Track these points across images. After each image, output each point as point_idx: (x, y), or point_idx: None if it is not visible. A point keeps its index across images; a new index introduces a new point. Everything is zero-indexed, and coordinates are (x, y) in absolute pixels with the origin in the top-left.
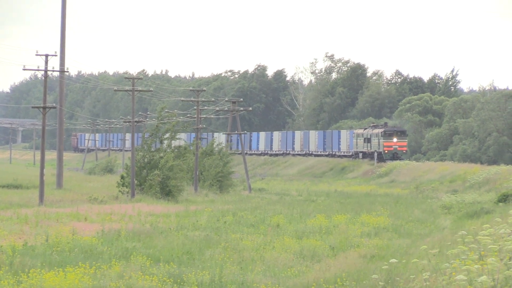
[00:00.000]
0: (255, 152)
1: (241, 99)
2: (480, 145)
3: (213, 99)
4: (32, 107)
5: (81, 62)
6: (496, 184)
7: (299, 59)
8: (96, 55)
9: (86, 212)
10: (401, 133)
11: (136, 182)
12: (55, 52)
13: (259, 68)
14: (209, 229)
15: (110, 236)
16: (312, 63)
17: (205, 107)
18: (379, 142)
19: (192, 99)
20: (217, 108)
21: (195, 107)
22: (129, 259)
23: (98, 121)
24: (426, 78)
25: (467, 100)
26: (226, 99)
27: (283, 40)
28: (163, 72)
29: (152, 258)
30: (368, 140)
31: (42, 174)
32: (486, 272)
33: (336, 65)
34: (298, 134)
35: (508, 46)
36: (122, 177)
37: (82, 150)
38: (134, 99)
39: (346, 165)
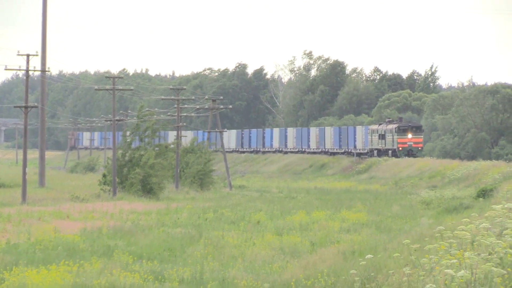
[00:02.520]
0: (269, 150)
1: (221, 97)
2: (459, 141)
3: (193, 97)
4: (14, 107)
5: (63, 62)
6: (475, 179)
7: (279, 56)
8: (77, 54)
9: (68, 210)
10: (417, 129)
11: (117, 180)
12: (36, 52)
13: (239, 66)
14: (190, 226)
15: (92, 234)
16: (291, 60)
17: (186, 106)
18: (393, 138)
19: (172, 97)
20: (198, 106)
21: (175, 106)
22: (111, 257)
23: (79, 120)
24: (405, 74)
25: (446, 97)
26: (206, 97)
27: (263, 38)
28: (144, 71)
29: (134, 255)
30: (382, 137)
31: (24, 173)
32: (464, 267)
33: (315, 63)
34: (313, 130)
35: (486, 42)
36: (104, 175)
37: (83, 150)
38: (115, 98)
39: (326, 162)
